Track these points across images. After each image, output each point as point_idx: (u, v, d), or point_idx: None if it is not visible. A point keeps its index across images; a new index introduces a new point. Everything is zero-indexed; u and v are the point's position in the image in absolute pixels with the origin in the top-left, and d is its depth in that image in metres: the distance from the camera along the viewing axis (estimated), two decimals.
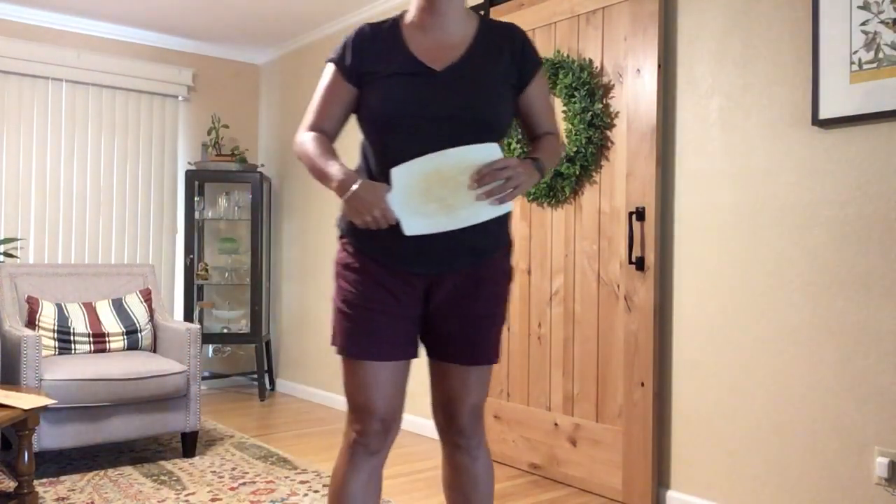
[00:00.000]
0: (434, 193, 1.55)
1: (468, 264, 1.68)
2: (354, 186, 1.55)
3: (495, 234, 1.71)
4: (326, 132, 1.73)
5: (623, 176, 3.00)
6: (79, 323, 3.64)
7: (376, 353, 1.67)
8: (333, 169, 1.61)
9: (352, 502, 1.70)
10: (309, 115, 1.75)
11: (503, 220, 1.73)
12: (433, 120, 1.60)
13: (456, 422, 1.78)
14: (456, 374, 1.75)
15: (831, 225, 2.43)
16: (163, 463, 3.41)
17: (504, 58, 1.69)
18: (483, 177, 1.54)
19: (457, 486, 1.83)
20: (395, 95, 1.62)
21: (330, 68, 1.72)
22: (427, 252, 1.64)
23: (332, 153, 1.66)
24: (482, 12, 3.29)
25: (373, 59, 1.67)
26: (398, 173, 1.55)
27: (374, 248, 1.67)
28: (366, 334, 1.67)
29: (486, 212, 1.57)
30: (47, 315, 3.60)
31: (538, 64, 1.75)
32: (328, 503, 1.74)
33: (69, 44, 4.80)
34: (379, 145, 1.66)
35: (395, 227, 1.58)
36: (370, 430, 1.69)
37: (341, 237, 1.75)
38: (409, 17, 1.72)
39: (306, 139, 1.70)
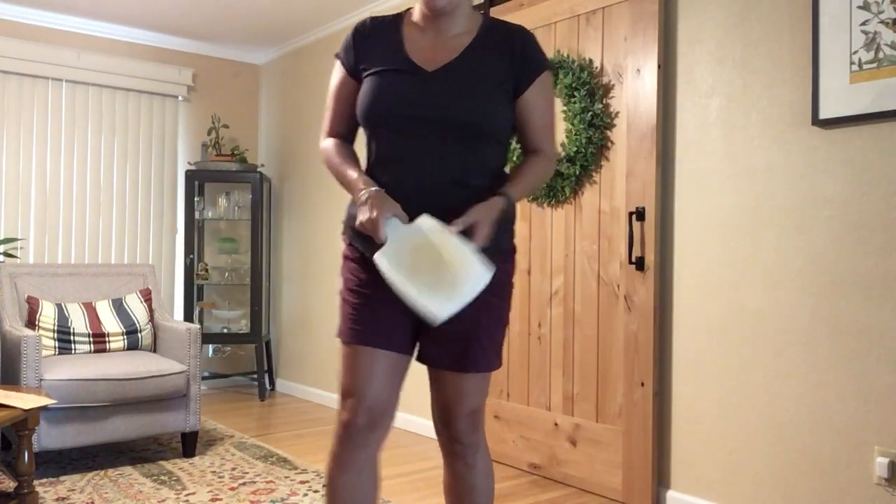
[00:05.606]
0: (420, 260, 1.52)
1: None
2: (373, 188, 1.58)
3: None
4: (343, 135, 1.77)
5: (623, 176, 3.00)
6: (79, 323, 3.64)
7: (371, 340, 1.64)
8: (354, 177, 1.64)
9: (340, 495, 1.65)
10: (326, 120, 1.78)
11: (503, 225, 1.66)
12: (419, 120, 1.60)
13: (452, 428, 1.75)
14: (450, 380, 1.71)
15: (831, 225, 2.43)
16: (163, 463, 3.41)
17: (503, 60, 1.64)
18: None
19: (455, 492, 1.82)
20: (379, 92, 1.62)
21: (337, 65, 1.75)
22: None
23: (350, 160, 1.70)
24: (482, 12, 3.29)
25: (369, 54, 1.68)
26: (394, 224, 1.54)
27: (358, 240, 1.68)
28: (363, 320, 1.65)
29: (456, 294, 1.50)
30: (47, 315, 3.60)
31: (539, 68, 1.66)
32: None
33: (69, 44, 4.80)
34: (369, 139, 1.69)
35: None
36: (355, 420, 1.63)
37: (343, 232, 1.76)
38: (412, 16, 1.72)
39: (328, 149, 1.74)
